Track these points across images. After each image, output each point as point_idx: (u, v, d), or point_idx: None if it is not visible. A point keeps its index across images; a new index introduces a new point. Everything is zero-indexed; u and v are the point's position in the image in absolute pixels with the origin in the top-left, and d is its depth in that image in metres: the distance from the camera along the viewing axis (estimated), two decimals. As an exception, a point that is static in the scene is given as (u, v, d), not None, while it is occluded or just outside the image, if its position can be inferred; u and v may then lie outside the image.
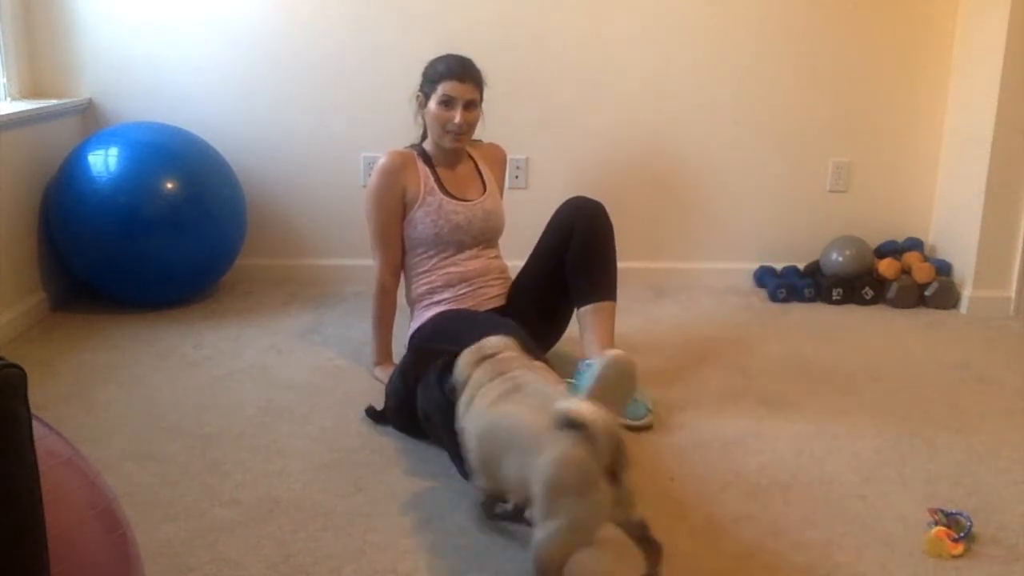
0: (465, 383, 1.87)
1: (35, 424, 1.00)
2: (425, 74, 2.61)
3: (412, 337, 2.63)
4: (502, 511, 1.90)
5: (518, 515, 1.86)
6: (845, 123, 3.60)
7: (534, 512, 1.60)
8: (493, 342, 1.91)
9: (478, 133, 2.69)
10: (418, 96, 2.63)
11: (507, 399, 1.74)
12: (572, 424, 1.52)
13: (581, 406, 1.54)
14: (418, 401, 2.18)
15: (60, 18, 3.35)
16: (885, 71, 3.55)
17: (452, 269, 2.63)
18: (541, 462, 1.56)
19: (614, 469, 1.52)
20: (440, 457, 2.16)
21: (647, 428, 2.36)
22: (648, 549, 1.64)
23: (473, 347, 1.91)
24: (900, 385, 2.72)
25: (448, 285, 2.62)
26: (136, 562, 1.26)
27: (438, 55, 2.61)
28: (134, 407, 2.46)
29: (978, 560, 1.82)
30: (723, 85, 3.53)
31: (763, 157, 3.61)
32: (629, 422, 2.36)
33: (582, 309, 2.52)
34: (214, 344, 2.92)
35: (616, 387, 1.69)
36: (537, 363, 1.89)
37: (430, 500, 2.00)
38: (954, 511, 1.93)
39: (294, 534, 1.87)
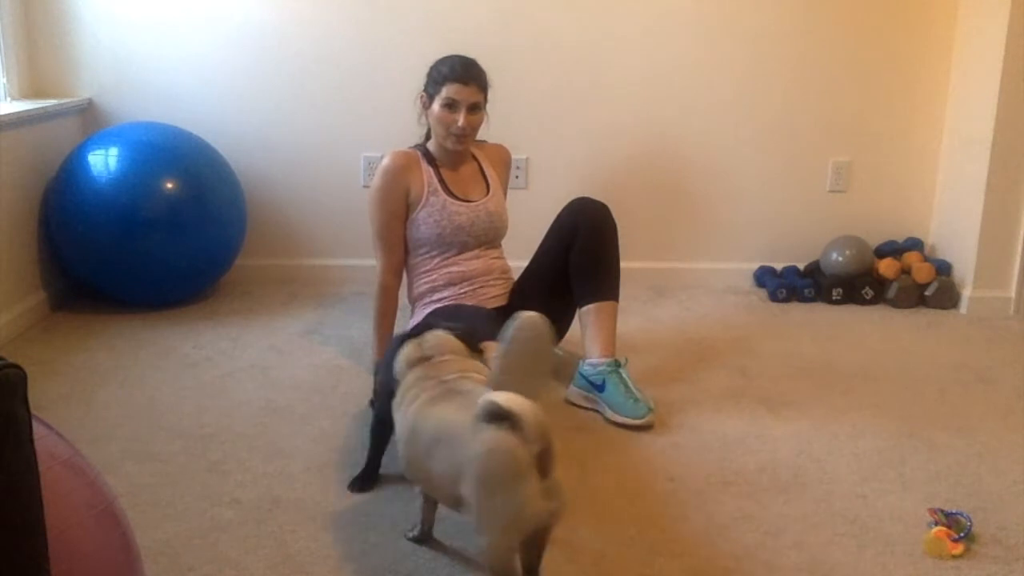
0: (400, 382, 1.81)
1: (35, 424, 1.00)
2: (429, 75, 2.60)
3: (411, 335, 2.63)
4: None
5: None
6: (845, 123, 3.60)
7: (473, 517, 1.53)
8: (433, 341, 1.84)
9: (481, 133, 2.69)
10: (422, 97, 2.63)
11: (435, 403, 1.69)
12: (499, 415, 1.47)
13: (507, 396, 1.49)
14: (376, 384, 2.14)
15: (60, 18, 3.35)
16: (885, 71, 3.55)
17: (454, 269, 2.62)
18: (470, 455, 1.50)
19: (543, 459, 1.47)
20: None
21: (647, 428, 2.36)
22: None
23: (414, 342, 1.84)
24: (900, 385, 2.72)
25: (450, 284, 2.62)
26: (136, 562, 1.26)
27: (442, 56, 2.60)
28: (134, 407, 2.46)
29: (978, 560, 1.82)
30: (723, 85, 3.53)
31: (763, 157, 3.61)
32: (630, 421, 2.37)
33: (584, 309, 2.53)
34: (214, 344, 2.92)
35: (530, 348, 1.59)
36: (474, 366, 1.82)
37: (430, 500, 1.99)
38: (954, 511, 1.93)
39: (294, 534, 1.87)
